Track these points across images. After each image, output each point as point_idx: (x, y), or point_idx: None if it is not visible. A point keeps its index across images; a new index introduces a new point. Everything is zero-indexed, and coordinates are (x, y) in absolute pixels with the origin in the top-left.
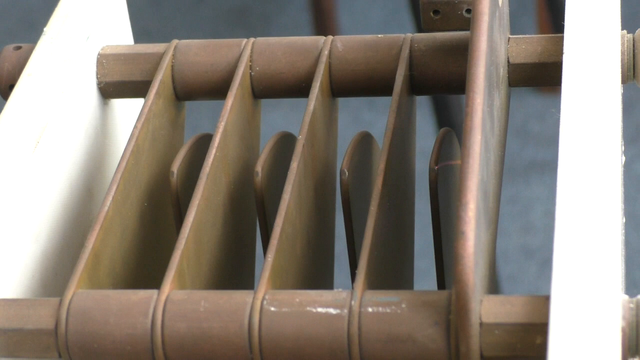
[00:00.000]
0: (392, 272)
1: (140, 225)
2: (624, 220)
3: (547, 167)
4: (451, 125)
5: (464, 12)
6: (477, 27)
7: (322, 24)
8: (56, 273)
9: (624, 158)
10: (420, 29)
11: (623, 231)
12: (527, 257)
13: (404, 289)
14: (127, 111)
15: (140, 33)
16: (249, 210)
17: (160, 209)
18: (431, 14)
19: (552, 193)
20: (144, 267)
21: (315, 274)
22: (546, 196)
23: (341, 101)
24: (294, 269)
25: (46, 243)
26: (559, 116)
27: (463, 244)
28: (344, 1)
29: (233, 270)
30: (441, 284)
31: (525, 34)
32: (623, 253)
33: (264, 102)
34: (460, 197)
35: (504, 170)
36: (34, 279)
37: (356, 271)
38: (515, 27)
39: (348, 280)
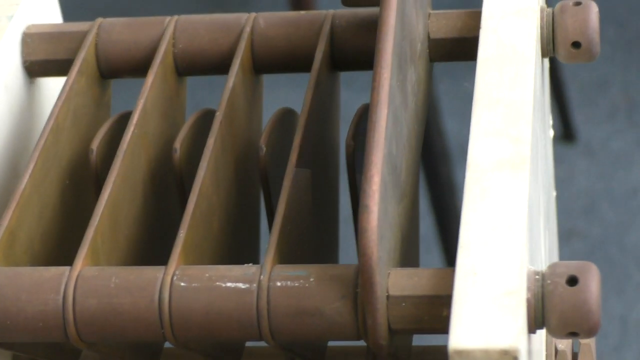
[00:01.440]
0: (310, 247)
1: (61, 203)
2: (555, 193)
3: None
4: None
5: None
6: (386, 3)
7: (300, 7)
8: None
9: (552, 132)
10: None
11: (551, 205)
12: None
13: (325, 263)
14: (55, 90)
15: (120, 16)
16: (172, 188)
17: (82, 187)
18: None
19: None
20: (65, 245)
21: (236, 250)
22: None
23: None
24: (211, 245)
25: None
26: (471, 90)
27: (366, 217)
28: None
29: (155, 247)
30: None
31: None
32: (544, 225)
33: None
34: (364, 171)
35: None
36: None
37: (267, 246)
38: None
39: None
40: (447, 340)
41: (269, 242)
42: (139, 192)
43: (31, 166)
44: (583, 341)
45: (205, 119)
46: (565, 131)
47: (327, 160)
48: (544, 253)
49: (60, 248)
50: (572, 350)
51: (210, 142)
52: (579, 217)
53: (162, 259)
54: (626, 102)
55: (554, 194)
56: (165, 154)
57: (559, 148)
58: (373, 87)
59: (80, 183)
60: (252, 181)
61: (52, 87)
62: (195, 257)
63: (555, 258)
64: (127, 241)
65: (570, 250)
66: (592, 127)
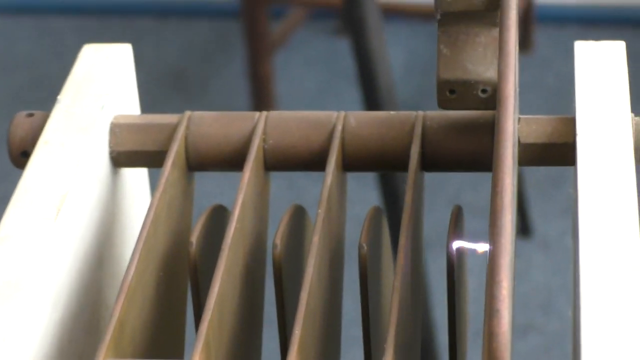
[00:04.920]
0: (326, 344)
1: (156, 294)
2: None
3: (479, 237)
4: (395, 196)
5: (479, 92)
6: (504, 109)
7: (259, 91)
8: (70, 340)
9: None
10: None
11: None
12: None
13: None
14: (135, 180)
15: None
16: (260, 281)
17: (172, 278)
18: (447, 93)
19: (484, 264)
20: (158, 336)
21: (332, 343)
22: (479, 268)
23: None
24: (315, 343)
25: (63, 310)
26: (575, 194)
27: (498, 322)
28: (280, 69)
29: (247, 340)
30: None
31: None
32: None
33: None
34: (493, 275)
35: (435, 240)
36: (52, 345)
37: (385, 346)
38: None
39: None
40: None
41: (387, 341)
42: (237, 286)
43: (136, 257)
44: None
45: (298, 215)
46: (522, 226)
47: (418, 258)
48: None
49: (153, 339)
50: None
51: (315, 239)
52: (536, 312)
53: (250, 352)
54: None
55: None
56: (257, 248)
57: (516, 243)
58: (496, 192)
59: (172, 274)
60: (338, 278)
61: (132, 177)
62: (306, 355)
63: None
64: (229, 335)
65: (528, 346)
66: (548, 222)
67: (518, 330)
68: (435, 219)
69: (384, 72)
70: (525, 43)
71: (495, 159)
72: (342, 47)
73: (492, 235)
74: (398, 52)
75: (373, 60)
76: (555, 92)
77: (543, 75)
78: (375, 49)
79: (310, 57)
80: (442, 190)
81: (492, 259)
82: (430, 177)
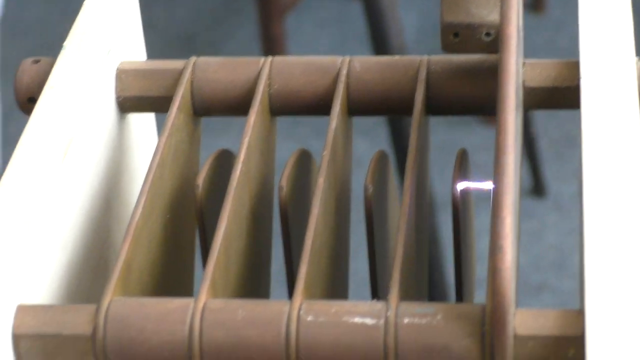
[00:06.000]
0: (333, 283)
1: (163, 236)
2: None
3: None
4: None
5: (482, 35)
6: (506, 49)
7: (271, 52)
8: (79, 282)
9: None
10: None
11: None
12: (476, 288)
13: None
14: (141, 125)
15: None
16: (267, 224)
17: (180, 220)
18: (451, 36)
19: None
20: (165, 277)
21: (339, 285)
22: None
23: (288, 130)
24: (322, 279)
25: (71, 252)
26: (580, 138)
27: (501, 258)
28: (292, 29)
29: (253, 281)
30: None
31: None
32: None
33: (214, 127)
34: (496, 213)
35: (449, 200)
36: (61, 287)
37: (390, 283)
38: None
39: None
40: None
41: (392, 278)
42: (243, 227)
43: (142, 199)
44: None
45: (303, 158)
46: (536, 186)
47: (425, 200)
48: None
49: (161, 280)
50: None
51: (321, 181)
52: (549, 271)
53: (257, 292)
54: None
55: None
56: (262, 191)
57: (529, 203)
58: (499, 132)
59: (179, 217)
60: (345, 218)
61: (138, 122)
62: (313, 292)
63: None
64: (235, 275)
65: (541, 304)
66: (562, 182)
67: (531, 289)
68: (449, 180)
69: (395, 32)
70: (537, 5)
71: (498, 99)
72: (355, 9)
73: (496, 174)
74: (411, 14)
75: (385, 20)
76: (568, 54)
77: (556, 37)
78: (387, 10)
79: (323, 19)
80: (455, 151)
81: (495, 196)
82: (443, 139)
